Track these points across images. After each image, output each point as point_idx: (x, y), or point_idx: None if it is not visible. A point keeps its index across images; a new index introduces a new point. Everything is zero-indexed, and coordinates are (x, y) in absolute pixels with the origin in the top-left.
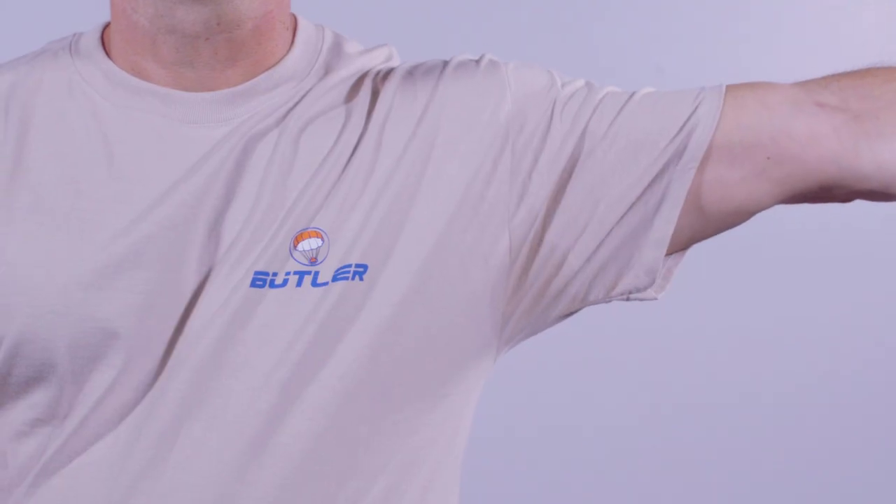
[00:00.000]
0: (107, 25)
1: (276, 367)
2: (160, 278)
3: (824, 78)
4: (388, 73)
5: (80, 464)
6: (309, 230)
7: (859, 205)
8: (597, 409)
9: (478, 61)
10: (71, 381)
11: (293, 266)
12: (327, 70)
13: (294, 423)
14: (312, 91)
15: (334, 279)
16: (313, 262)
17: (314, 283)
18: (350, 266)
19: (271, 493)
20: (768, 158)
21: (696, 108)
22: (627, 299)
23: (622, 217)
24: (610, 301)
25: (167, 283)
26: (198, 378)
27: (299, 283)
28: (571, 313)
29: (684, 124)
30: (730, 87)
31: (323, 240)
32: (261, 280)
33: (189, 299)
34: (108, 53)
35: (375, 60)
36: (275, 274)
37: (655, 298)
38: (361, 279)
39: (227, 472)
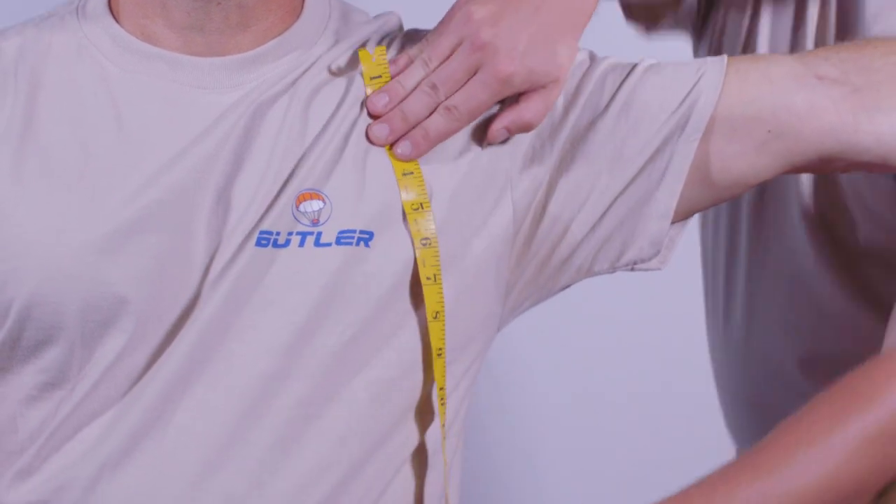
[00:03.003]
0: None
1: (279, 331)
2: (170, 243)
3: (825, 49)
4: (392, 40)
5: (89, 428)
6: (310, 191)
7: None
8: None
9: None
10: (81, 346)
11: (297, 227)
12: (336, 38)
13: (294, 385)
14: (321, 59)
15: (338, 242)
16: (315, 223)
17: (317, 244)
18: (354, 231)
19: (271, 453)
20: (769, 131)
21: (699, 79)
22: (632, 270)
23: (625, 189)
24: (614, 272)
25: (177, 248)
26: (203, 340)
27: (302, 244)
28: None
29: (686, 96)
30: (731, 60)
31: (324, 202)
32: (265, 239)
33: (199, 264)
34: (115, 17)
35: (382, 28)
36: (278, 233)
37: (660, 268)
38: (367, 245)
39: (228, 432)
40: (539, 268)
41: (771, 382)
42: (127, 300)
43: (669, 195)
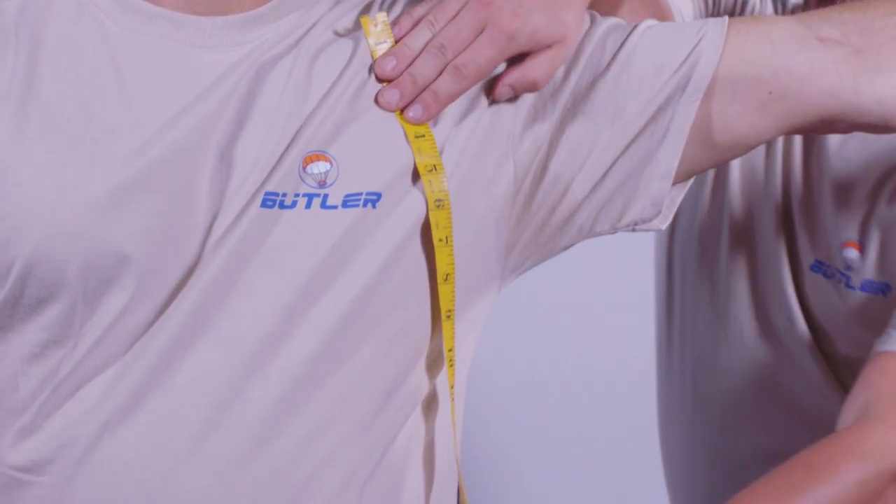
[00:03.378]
0: None
1: (282, 291)
2: (172, 202)
3: (826, 10)
4: (394, 2)
5: (91, 386)
6: (317, 153)
7: None
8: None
9: None
10: (83, 303)
11: (303, 188)
12: None
13: (296, 344)
14: (323, 19)
15: (344, 205)
16: (322, 184)
17: (323, 205)
18: (361, 194)
19: (272, 413)
20: (770, 93)
21: (700, 40)
22: (633, 230)
23: (625, 149)
24: (615, 232)
25: (179, 207)
26: (206, 299)
27: (308, 205)
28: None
29: (687, 57)
30: (732, 21)
31: (331, 164)
32: (271, 201)
33: (201, 223)
34: None
35: None
36: (284, 195)
37: (661, 229)
38: (374, 207)
39: (229, 391)
40: (539, 228)
41: (738, 483)
42: (129, 258)
43: (671, 155)
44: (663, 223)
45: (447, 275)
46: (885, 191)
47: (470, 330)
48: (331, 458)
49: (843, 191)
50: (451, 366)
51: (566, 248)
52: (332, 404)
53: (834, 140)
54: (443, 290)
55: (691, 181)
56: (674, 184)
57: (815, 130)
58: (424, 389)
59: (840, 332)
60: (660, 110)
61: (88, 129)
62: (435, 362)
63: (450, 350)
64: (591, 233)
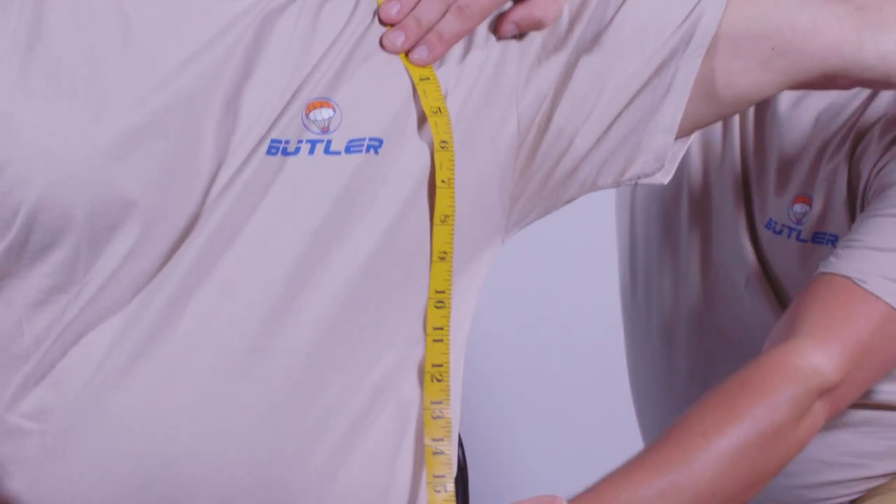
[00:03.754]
0: None
1: (290, 240)
2: (179, 149)
3: None
4: None
5: (95, 333)
6: (320, 100)
7: None
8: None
9: None
10: (87, 249)
11: (306, 135)
12: None
13: (307, 296)
14: None
15: (347, 150)
16: (325, 130)
17: (326, 151)
18: (363, 139)
19: (281, 360)
20: (772, 49)
21: None
22: (636, 184)
23: (629, 103)
24: (618, 186)
25: (185, 155)
26: (211, 246)
27: (311, 151)
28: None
29: (691, 12)
30: None
31: (334, 110)
32: (275, 147)
33: (207, 171)
34: None
35: None
36: (287, 141)
37: (664, 182)
38: (377, 153)
39: (236, 339)
40: (543, 181)
41: None
42: (134, 204)
43: (674, 110)
44: (666, 177)
45: (445, 216)
46: (829, 148)
47: (472, 283)
48: (337, 407)
49: (793, 149)
50: (442, 307)
51: (570, 201)
52: (345, 351)
53: (785, 104)
54: (438, 230)
55: (694, 135)
56: (676, 138)
57: (817, 86)
58: (420, 334)
59: (799, 287)
60: (663, 65)
61: (95, 76)
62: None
63: (441, 292)
64: (594, 186)
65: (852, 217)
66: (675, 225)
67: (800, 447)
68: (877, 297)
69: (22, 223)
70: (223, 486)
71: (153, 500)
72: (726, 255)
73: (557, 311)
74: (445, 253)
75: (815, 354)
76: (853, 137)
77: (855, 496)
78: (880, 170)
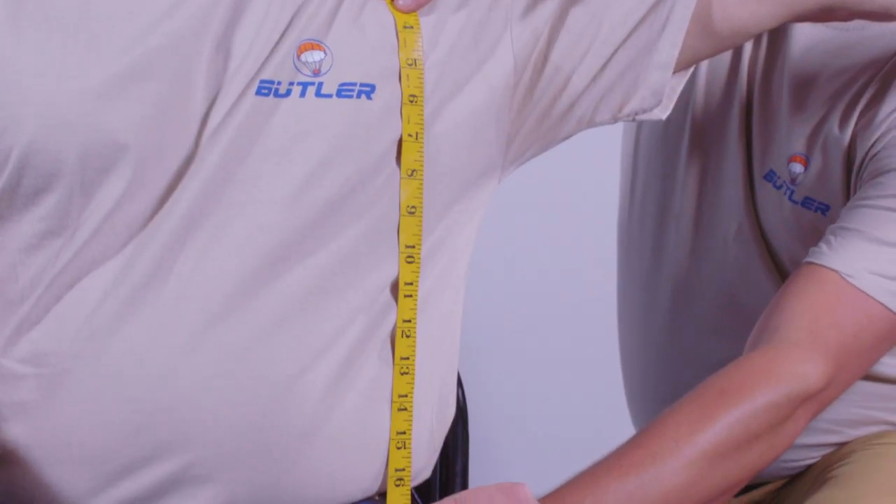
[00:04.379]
0: None
1: (280, 181)
2: (170, 91)
3: None
4: None
5: (90, 278)
6: (312, 42)
7: None
8: None
9: None
10: (80, 193)
11: (298, 77)
12: None
13: (302, 240)
14: None
15: (339, 94)
16: (316, 73)
17: (318, 94)
18: (355, 84)
19: (274, 303)
20: None
21: None
22: (634, 120)
23: (626, 39)
24: (616, 122)
25: (177, 96)
26: (205, 190)
27: (303, 94)
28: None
29: None
30: None
31: (325, 53)
32: (266, 89)
33: (198, 113)
34: None
35: None
36: (279, 83)
37: (661, 118)
38: (370, 98)
39: (229, 283)
40: (540, 118)
41: (685, 379)
42: (126, 147)
43: (671, 45)
44: (664, 112)
45: (413, 171)
46: (837, 110)
47: (469, 220)
48: (329, 348)
49: (799, 100)
50: (412, 262)
51: (567, 137)
52: (333, 297)
53: (797, 47)
54: (406, 184)
55: (692, 70)
56: (674, 72)
57: (815, 18)
58: (421, 279)
59: (784, 246)
60: (659, 0)
61: (85, 17)
62: (435, 255)
63: (411, 246)
64: (591, 122)
65: (847, 190)
66: (674, 164)
67: (778, 453)
68: (866, 296)
69: (14, 167)
70: (218, 429)
71: (149, 444)
72: (721, 200)
73: (561, 256)
74: (414, 208)
75: (801, 364)
76: (858, 112)
77: (817, 459)
78: (877, 153)
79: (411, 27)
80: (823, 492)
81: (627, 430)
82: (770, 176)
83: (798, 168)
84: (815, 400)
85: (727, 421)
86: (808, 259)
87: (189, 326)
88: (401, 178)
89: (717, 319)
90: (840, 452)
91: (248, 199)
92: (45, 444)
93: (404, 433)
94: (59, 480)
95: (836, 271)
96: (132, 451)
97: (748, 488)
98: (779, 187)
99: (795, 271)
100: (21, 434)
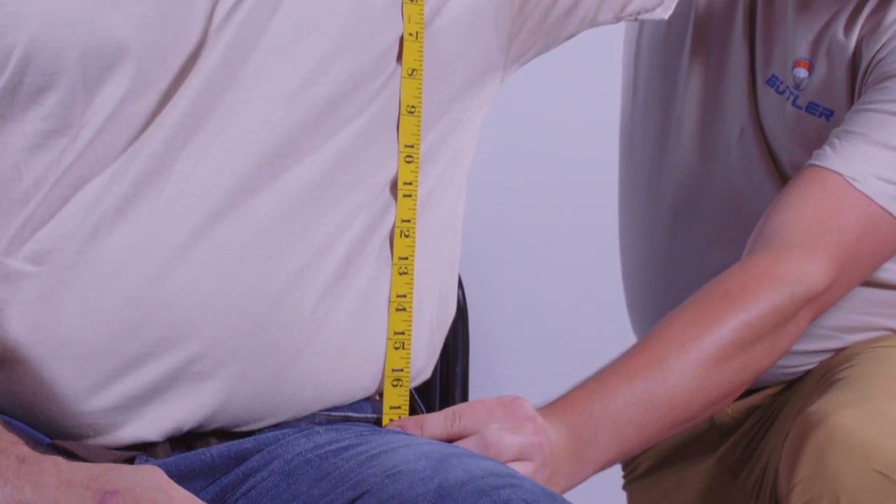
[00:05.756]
0: None
1: (284, 79)
2: None
3: None
4: None
5: (95, 178)
6: None
7: None
8: None
9: None
10: (83, 91)
11: None
12: None
13: (304, 137)
14: None
15: None
16: None
17: None
18: None
19: (275, 206)
20: None
21: None
22: (636, 20)
23: None
24: (618, 21)
25: None
26: (207, 87)
27: None
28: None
29: None
30: None
31: None
32: None
33: (202, 9)
34: None
35: None
36: None
37: (664, 18)
38: None
39: (231, 181)
40: (542, 17)
41: (685, 288)
42: (127, 45)
43: None
44: (666, 12)
45: (413, 70)
46: (842, 15)
47: (471, 120)
48: (328, 247)
49: (804, 4)
50: (410, 161)
51: (569, 37)
52: (333, 194)
53: None
54: (406, 84)
55: None
56: None
57: None
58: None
59: (786, 152)
60: None
61: None
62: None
63: (410, 146)
64: (594, 22)
65: (851, 96)
66: (676, 68)
67: (780, 354)
68: (869, 200)
69: (15, 65)
70: (217, 326)
71: (149, 340)
72: (724, 104)
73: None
74: (413, 107)
75: (803, 264)
76: (864, 17)
77: (816, 365)
78: (882, 58)
79: None
80: (831, 394)
81: (627, 333)
82: (773, 81)
83: (802, 73)
84: (817, 301)
85: (732, 323)
86: (812, 161)
87: (189, 223)
88: (402, 77)
89: (720, 227)
90: (840, 357)
91: (249, 96)
92: (46, 341)
93: (402, 333)
94: (59, 378)
95: (839, 174)
96: (132, 347)
97: (747, 393)
98: (781, 92)
99: (798, 173)
100: (22, 332)
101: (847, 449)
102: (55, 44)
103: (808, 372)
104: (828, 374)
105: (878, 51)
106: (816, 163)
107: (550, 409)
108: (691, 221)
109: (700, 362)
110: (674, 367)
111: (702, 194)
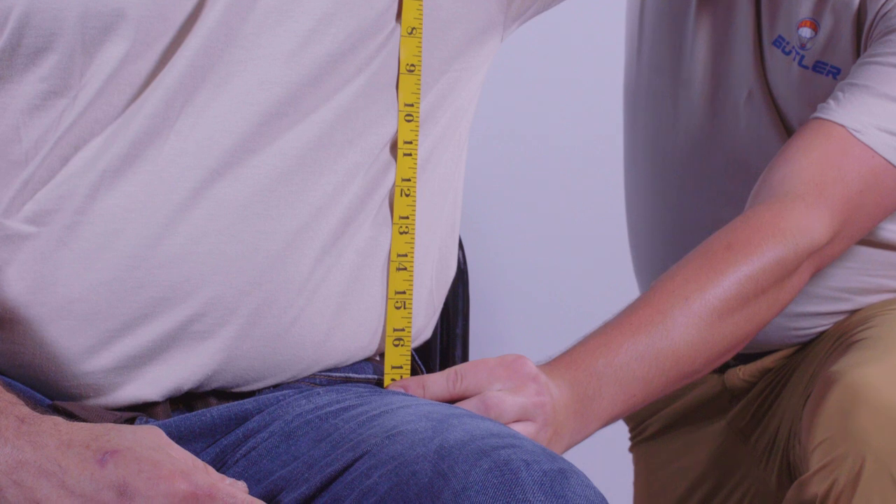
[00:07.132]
0: None
1: (283, 38)
2: None
3: None
4: None
5: (94, 140)
6: None
7: None
8: None
9: None
10: (81, 52)
11: None
12: None
13: (303, 96)
14: None
15: None
16: None
17: None
18: None
19: (274, 165)
20: None
21: None
22: None
23: None
24: None
25: None
26: (206, 47)
27: None
28: None
29: None
30: None
31: None
32: None
33: None
34: None
35: None
36: None
37: None
38: None
39: (230, 140)
40: None
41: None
42: (126, 7)
43: None
44: None
45: (412, 28)
46: None
47: (471, 79)
48: (327, 206)
49: None
50: (410, 120)
51: None
52: (332, 153)
53: None
54: (406, 42)
55: None
56: None
57: None
58: (421, 140)
59: (794, 112)
60: None
61: None
62: (436, 111)
63: (410, 105)
64: None
65: (857, 53)
66: (682, 30)
67: (783, 306)
68: (872, 152)
69: (14, 26)
70: (216, 285)
71: (149, 300)
72: (731, 66)
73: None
74: (413, 66)
75: (806, 217)
76: None
77: (828, 327)
78: (887, 12)
79: None
80: (852, 354)
81: (627, 292)
82: (779, 42)
83: (807, 32)
84: (820, 254)
85: (736, 276)
86: (816, 114)
87: (188, 182)
88: (402, 35)
89: (728, 186)
90: (855, 318)
91: (248, 55)
92: (46, 301)
93: (403, 293)
94: (59, 338)
95: (843, 126)
96: (132, 307)
97: (758, 355)
98: (788, 53)
99: (803, 126)
100: (22, 292)
101: (872, 409)
102: (54, 5)
103: (820, 334)
104: (844, 336)
105: (884, 4)
106: (820, 115)
107: (553, 365)
108: (700, 183)
109: (703, 315)
110: (677, 321)
111: (711, 156)
